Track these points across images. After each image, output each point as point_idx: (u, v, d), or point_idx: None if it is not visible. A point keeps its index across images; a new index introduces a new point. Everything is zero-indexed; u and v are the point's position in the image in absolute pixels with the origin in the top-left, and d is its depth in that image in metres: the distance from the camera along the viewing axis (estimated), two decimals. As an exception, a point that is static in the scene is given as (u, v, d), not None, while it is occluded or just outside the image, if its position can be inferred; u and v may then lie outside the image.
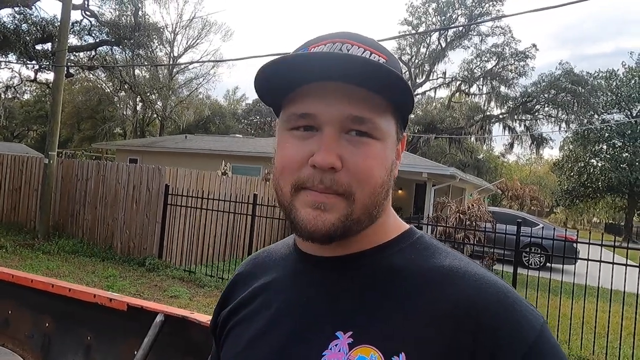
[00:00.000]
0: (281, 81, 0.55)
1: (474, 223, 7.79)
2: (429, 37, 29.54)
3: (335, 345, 0.54)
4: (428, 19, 29.82)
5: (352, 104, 0.53)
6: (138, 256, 7.39)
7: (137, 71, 24.36)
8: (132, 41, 14.26)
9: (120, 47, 15.43)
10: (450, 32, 28.34)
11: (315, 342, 0.55)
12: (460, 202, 10.75)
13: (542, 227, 10.76)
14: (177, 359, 1.42)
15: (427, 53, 29.82)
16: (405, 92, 0.54)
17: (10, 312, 1.64)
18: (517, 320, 0.51)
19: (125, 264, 7.20)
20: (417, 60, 30.20)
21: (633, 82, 27.47)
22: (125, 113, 31.09)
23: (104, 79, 26.31)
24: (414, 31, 29.78)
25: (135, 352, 1.53)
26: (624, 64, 29.03)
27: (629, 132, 26.99)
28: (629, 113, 28.01)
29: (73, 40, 14.93)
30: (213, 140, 16.82)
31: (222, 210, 7.19)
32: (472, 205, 8.57)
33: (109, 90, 28.59)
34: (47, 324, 1.67)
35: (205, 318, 1.32)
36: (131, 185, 7.73)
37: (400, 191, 15.28)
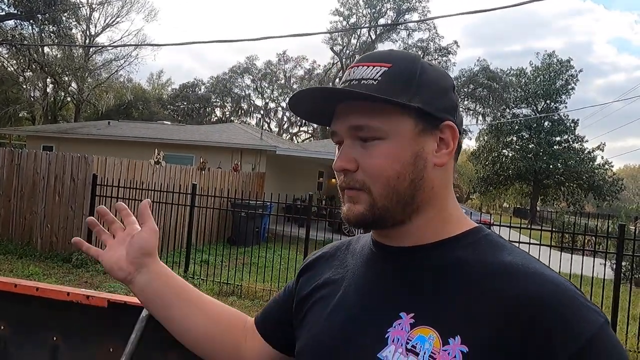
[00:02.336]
0: (321, 107, 0.68)
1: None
2: (359, 30, 30.18)
3: (399, 324, 0.60)
4: (359, 11, 30.43)
5: (352, 116, 0.64)
6: (62, 252, 6.84)
7: (46, 49, 22.06)
8: (45, 16, 12.85)
9: (30, 22, 13.84)
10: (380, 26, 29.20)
11: (382, 320, 0.62)
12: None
13: (467, 212, 11.66)
14: (162, 353, 1.39)
15: (358, 45, 30.50)
16: (400, 92, 0.62)
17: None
18: (572, 317, 0.53)
19: (48, 261, 6.63)
20: (348, 51, 30.76)
21: (538, 80, 30.44)
22: (33, 95, 28.07)
23: (7, 56, 23.49)
24: (344, 22, 30.24)
25: (111, 350, 1.47)
26: (531, 63, 32.05)
27: (535, 125, 29.97)
28: (535, 108, 31.05)
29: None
30: (141, 127, 15.84)
31: (159, 201, 6.87)
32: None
33: (12, 69, 25.59)
34: (1, 327, 1.53)
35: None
36: (52, 176, 7.08)
37: (333, 180, 15.61)
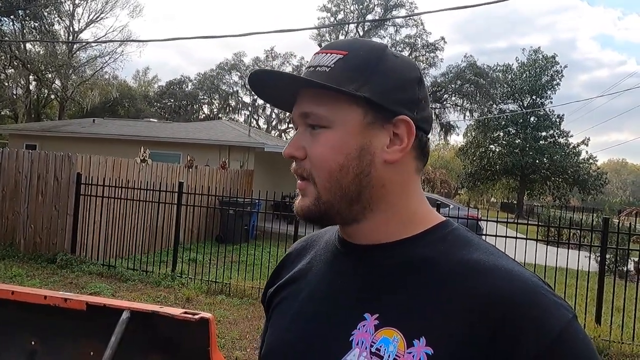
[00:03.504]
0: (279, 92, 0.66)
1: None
2: (347, 25, 30.15)
3: (363, 325, 0.58)
4: (346, 7, 30.38)
5: (303, 103, 0.63)
6: (47, 252, 6.71)
7: (28, 45, 21.60)
8: (27, 12, 12.56)
9: (12, 17, 13.52)
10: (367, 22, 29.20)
11: (346, 322, 0.59)
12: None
13: (456, 208, 11.76)
14: (144, 356, 1.36)
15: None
16: (346, 80, 0.59)
17: None
18: (540, 313, 0.52)
19: (32, 262, 6.50)
20: (336, 48, 30.69)
21: (524, 76, 30.76)
22: (15, 93, 27.46)
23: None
24: (332, 18, 30.17)
25: (92, 354, 1.44)
26: (517, 59, 32.35)
27: (521, 120, 30.30)
28: (521, 104, 31.38)
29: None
30: (126, 125, 15.62)
31: (145, 200, 6.78)
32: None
33: (-7, 66, 25.01)
34: (-23, 333, 1.49)
35: (178, 311, 1.28)
36: (35, 175, 6.95)
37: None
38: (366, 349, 0.56)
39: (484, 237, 5.39)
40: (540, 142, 30.17)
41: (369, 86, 0.59)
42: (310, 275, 0.68)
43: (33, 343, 1.46)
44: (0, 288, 1.36)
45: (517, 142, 30.47)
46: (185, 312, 1.25)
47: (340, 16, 30.41)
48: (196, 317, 1.22)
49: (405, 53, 30.45)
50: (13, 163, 7.08)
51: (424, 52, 30.21)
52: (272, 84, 0.65)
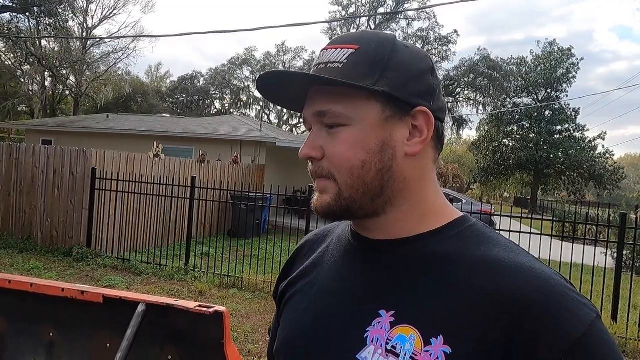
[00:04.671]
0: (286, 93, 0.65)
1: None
2: (358, 19, 29.93)
3: (378, 322, 0.57)
4: (358, 0, 30.14)
5: (317, 102, 0.61)
6: (63, 246, 6.83)
7: (43, 42, 21.90)
8: (41, 9, 12.73)
9: (27, 15, 13.71)
10: (379, 15, 28.94)
11: (360, 318, 0.58)
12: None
13: (468, 203, 11.66)
14: (159, 349, 1.37)
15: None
16: (360, 76, 0.58)
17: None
18: (561, 313, 0.50)
19: (49, 255, 6.63)
20: (347, 42, 30.51)
21: (539, 69, 30.24)
22: (31, 89, 27.91)
23: (4, 49, 23.33)
24: (343, 11, 29.97)
25: (109, 345, 1.46)
26: (532, 52, 31.81)
27: (535, 114, 29.84)
28: (535, 97, 30.89)
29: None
30: (139, 120, 15.78)
31: (158, 194, 6.85)
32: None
33: (9, 62, 25.43)
34: (-2, 324, 1.52)
35: (192, 304, 1.29)
36: (51, 170, 7.06)
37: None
38: (381, 346, 0.55)
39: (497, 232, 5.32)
40: (555, 136, 29.70)
41: (385, 80, 0.59)
42: (323, 269, 0.67)
43: (51, 334, 1.48)
44: (19, 280, 1.39)
45: (531, 136, 30.05)
46: (200, 306, 1.26)
47: (351, 10, 30.20)
48: (211, 310, 1.22)
49: (418, 46, 30.17)
50: (30, 158, 7.20)
51: (437, 46, 29.87)
52: (285, 84, 0.63)
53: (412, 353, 0.53)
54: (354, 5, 30.38)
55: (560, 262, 4.93)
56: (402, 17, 29.64)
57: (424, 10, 28.33)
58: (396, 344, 0.54)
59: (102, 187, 6.74)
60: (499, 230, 5.51)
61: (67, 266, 6.19)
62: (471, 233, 0.60)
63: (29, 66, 22.77)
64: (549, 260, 5.10)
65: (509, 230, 5.05)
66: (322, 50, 0.63)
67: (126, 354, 1.18)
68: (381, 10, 29.59)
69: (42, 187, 7.08)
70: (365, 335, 0.56)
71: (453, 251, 0.58)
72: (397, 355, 0.54)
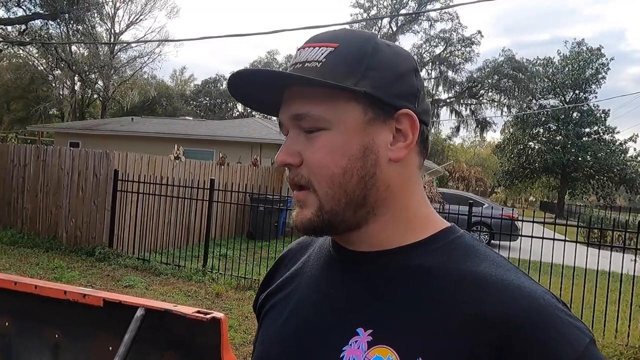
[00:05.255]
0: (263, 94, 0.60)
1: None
2: (380, 21, 29.79)
3: (355, 341, 0.53)
4: (379, 2, 30.01)
5: (294, 104, 0.56)
6: (86, 245, 7.01)
7: (73, 48, 22.64)
8: (69, 15, 13.17)
9: (57, 21, 14.21)
10: (401, 16, 28.74)
11: (337, 336, 0.55)
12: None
13: (490, 207, 11.39)
14: (158, 354, 1.37)
15: (379, 37, 30.16)
16: (340, 75, 0.54)
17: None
18: (551, 338, 0.47)
19: (73, 254, 6.81)
20: (368, 44, 30.42)
21: (567, 69, 29.41)
22: (62, 93, 28.92)
23: (37, 55, 24.25)
24: (365, 13, 29.88)
25: (111, 348, 1.46)
26: (559, 52, 30.96)
27: (562, 116, 29.03)
28: (562, 99, 30.04)
29: None
30: (162, 123, 16.10)
31: (177, 196, 6.95)
32: (424, 187, 8.88)
33: (42, 68, 26.40)
34: (6, 324, 1.55)
35: (190, 310, 1.28)
36: (76, 172, 7.26)
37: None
38: None
39: (526, 238, 5.15)
40: (584, 138, 28.81)
41: (367, 80, 0.55)
42: (302, 282, 0.64)
43: (57, 336, 1.50)
44: (24, 282, 1.41)
45: (558, 138, 29.24)
46: (198, 312, 1.25)
47: (373, 12, 30.08)
48: (208, 317, 1.21)
49: (440, 48, 29.79)
50: (56, 160, 7.42)
51: (460, 47, 29.44)
52: (257, 84, 0.58)
53: None
54: (375, 7, 30.26)
55: (586, 269, 4.75)
56: (424, 18, 29.35)
57: (446, 10, 27.98)
58: None
59: (124, 188, 6.88)
60: (521, 235, 5.36)
61: (89, 266, 6.34)
62: (457, 246, 0.56)
63: (59, 71, 23.61)
64: (574, 266, 4.91)
65: (532, 236, 4.89)
66: (298, 49, 0.60)
67: (123, 359, 1.18)
68: (403, 11, 29.38)
69: (67, 188, 7.29)
70: (342, 355, 0.53)
71: (436, 265, 0.54)
72: None
